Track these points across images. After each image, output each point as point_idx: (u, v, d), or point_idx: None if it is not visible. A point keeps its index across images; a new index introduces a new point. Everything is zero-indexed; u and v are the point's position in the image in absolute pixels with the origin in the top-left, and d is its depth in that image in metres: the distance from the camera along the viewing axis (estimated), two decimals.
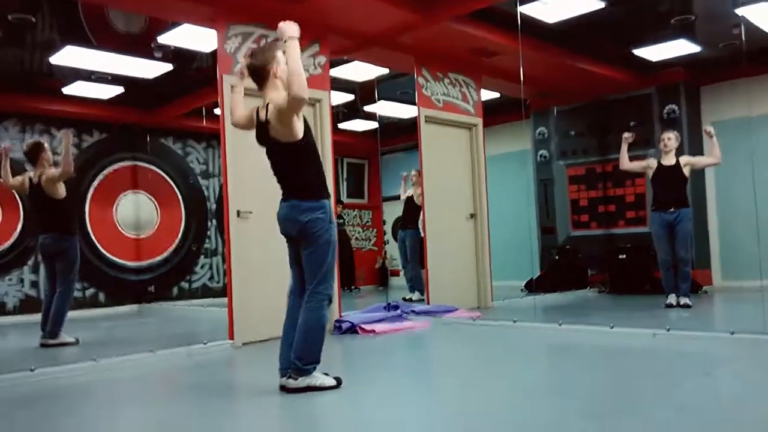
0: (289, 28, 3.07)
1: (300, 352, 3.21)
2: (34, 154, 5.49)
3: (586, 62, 7.42)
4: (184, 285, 9.23)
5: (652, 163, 6.35)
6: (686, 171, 6.21)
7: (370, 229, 10.81)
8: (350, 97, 8.47)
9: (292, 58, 3.02)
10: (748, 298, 6.46)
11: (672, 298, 6.17)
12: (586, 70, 7.49)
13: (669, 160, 6.25)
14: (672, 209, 6.13)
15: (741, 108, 6.68)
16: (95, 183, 8.64)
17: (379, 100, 7.99)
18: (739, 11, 5.92)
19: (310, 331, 3.21)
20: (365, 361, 4.35)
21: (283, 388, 3.27)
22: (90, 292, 8.43)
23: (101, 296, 8.55)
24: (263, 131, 3.28)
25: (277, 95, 3.21)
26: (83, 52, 6.35)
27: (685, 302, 6.09)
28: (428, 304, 6.57)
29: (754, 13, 6.06)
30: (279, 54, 3.25)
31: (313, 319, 3.22)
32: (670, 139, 6.23)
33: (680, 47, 7.17)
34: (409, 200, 8.02)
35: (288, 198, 3.29)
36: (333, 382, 3.26)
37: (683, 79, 7.92)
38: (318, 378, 3.24)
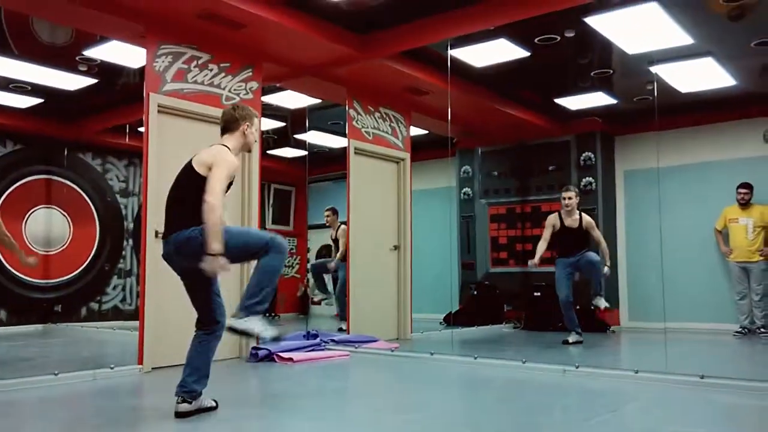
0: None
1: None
2: None
3: (510, 107, 7.70)
4: (94, 306, 8.83)
5: (556, 222, 6.59)
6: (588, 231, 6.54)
7: (294, 256, 10.72)
8: (281, 124, 8.47)
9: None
10: (652, 339, 6.78)
11: (574, 336, 6.47)
12: (510, 115, 7.77)
13: (572, 222, 6.54)
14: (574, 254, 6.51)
15: (651, 159, 7.07)
16: (5, 195, 8.20)
17: (309, 129, 8.01)
18: (653, 69, 6.33)
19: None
20: (281, 391, 4.29)
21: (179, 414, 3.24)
22: None
23: (2, 314, 8.05)
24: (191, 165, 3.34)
25: (230, 144, 3.45)
26: (2, 60, 6.09)
27: (604, 304, 6.54)
28: (348, 333, 6.56)
29: (666, 72, 6.50)
30: (257, 121, 3.59)
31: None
32: (571, 198, 6.49)
33: (598, 99, 7.59)
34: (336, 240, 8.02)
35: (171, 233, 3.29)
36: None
37: (599, 129, 8.34)
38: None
